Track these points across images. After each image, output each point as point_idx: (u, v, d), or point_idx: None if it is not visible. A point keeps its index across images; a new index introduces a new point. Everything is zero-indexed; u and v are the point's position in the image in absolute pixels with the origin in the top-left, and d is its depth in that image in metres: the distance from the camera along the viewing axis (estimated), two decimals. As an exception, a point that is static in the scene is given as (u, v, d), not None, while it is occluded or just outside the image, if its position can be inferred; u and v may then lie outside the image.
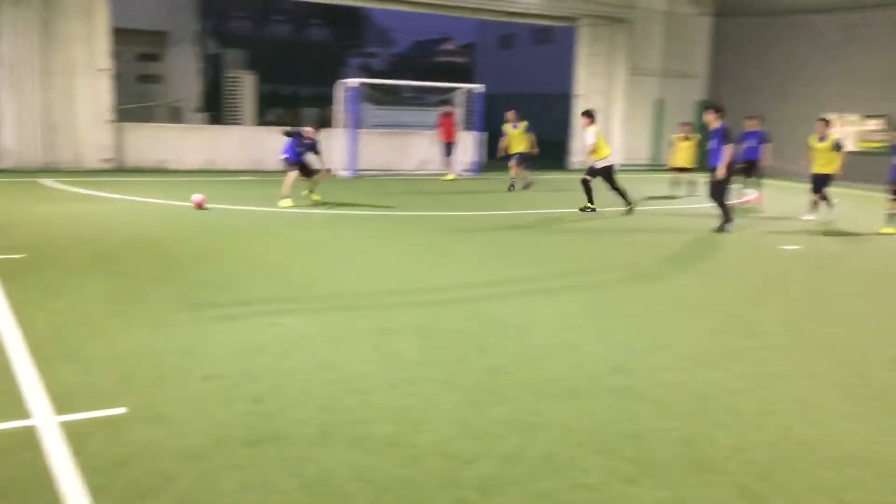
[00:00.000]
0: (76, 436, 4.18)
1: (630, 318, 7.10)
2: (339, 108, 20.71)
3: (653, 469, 4.08)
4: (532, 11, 24.22)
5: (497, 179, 19.85)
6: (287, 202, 13.72)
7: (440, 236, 11.50)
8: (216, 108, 26.81)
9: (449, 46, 56.89)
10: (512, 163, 17.94)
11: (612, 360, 5.83)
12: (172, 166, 20.03)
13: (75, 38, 18.58)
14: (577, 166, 25.23)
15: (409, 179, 20.13)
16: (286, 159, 13.96)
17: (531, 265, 9.58)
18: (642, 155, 25.97)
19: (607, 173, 14.21)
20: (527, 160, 18.00)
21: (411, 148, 22.40)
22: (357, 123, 20.35)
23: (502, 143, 18.17)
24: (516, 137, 17.92)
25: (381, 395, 4.97)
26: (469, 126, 22.22)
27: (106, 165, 19.08)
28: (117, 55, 20.42)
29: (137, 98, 25.04)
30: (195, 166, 20.28)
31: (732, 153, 12.06)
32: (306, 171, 14.08)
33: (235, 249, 9.82)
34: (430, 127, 21.87)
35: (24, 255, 8.82)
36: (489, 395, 5.04)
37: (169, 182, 17.15)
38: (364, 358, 5.71)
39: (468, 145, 21.91)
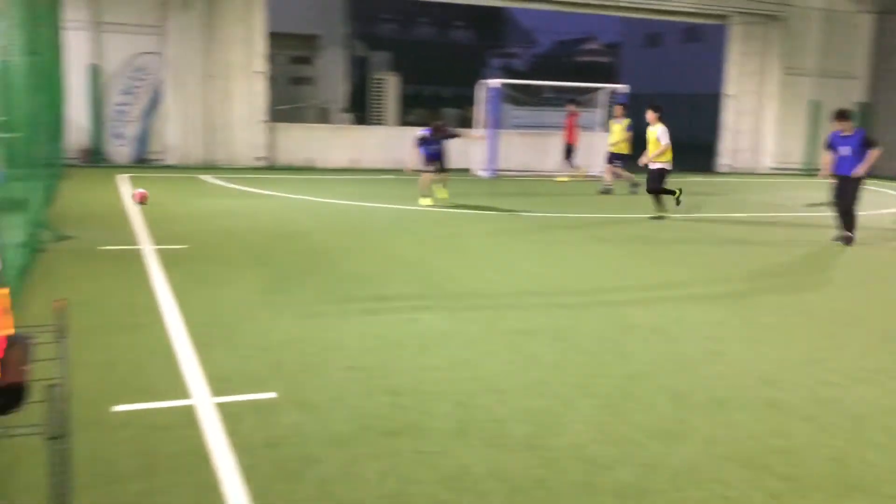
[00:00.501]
0: (230, 416, 4.43)
1: (778, 329, 6.79)
2: (480, 108, 20.87)
3: (801, 486, 3.88)
4: (682, 9, 23.55)
5: (639, 182, 19.41)
6: (427, 201, 13.96)
7: (579, 238, 11.38)
8: (361, 109, 27.63)
9: (592, 46, 56.07)
10: (607, 164, 17.56)
11: (760, 372, 5.59)
12: (319, 165, 20.83)
13: (234, 42, 19.64)
14: (724, 169, 24.38)
15: (548, 180, 20.01)
16: (423, 157, 14.06)
17: (672, 270, 9.32)
18: (796, 158, 24.73)
19: (660, 175, 13.27)
20: (617, 160, 17.46)
21: (550, 149, 22.26)
22: (497, 124, 20.44)
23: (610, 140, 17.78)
24: (616, 133, 17.45)
25: (517, 395, 4.98)
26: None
27: (259, 163, 20.06)
28: (272, 58, 21.42)
29: (289, 99, 26.16)
30: (340, 165, 21.00)
31: (877, 158, 11.12)
32: (440, 168, 14.11)
33: (376, 245, 10.10)
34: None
35: (186, 246, 9.42)
36: (629, 402, 4.95)
37: (316, 180, 17.84)
38: (501, 358, 5.73)
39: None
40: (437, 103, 38.17)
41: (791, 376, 5.51)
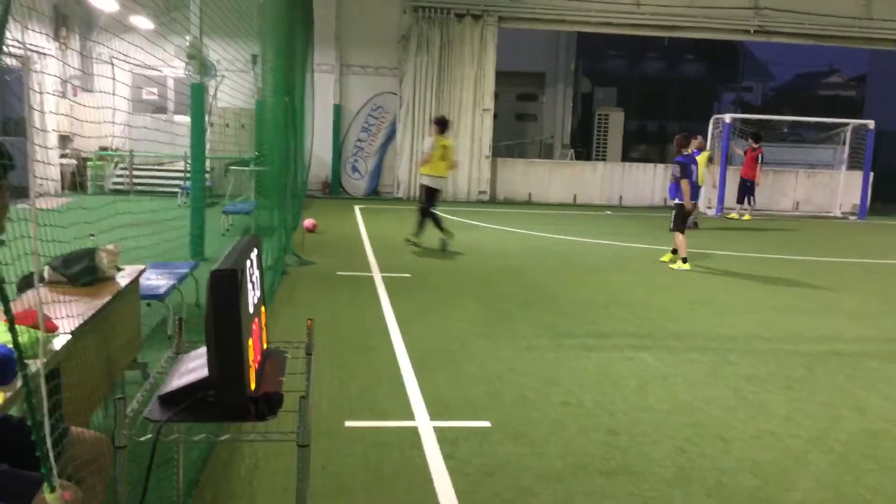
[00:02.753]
0: (448, 441, 4.57)
1: None
2: (710, 144, 20.20)
3: None
4: (941, 37, 21.48)
5: (885, 225, 17.80)
6: (671, 259, 11.58)
7: (815, 281, 10.61)
8: (585, 145, 27.61)
9: (835, 79, 52.34)
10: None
11: None
12: (538, 199, 21.06)
13: (466, 81, 20.46)
14: None
15: (783, 220, 18.87)
16: (673, 200, 11.73)
17: (926, 323, 8.43)
18: None
19: (430, 193, 11.95)
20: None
21: (786, 187, 21.06)
22: (728, 160, 19.64)
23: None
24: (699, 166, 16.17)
25: (743, 445, 4.73)
26: (855, 165, 20.30)
27: (481, 197, 20.65)
28: (498, 95, 22.05)
29: (513, 135, 26.72)
30: (559, 200, 21.10)
31: None
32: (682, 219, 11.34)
33: (595, 282, 10.02)
34: (810, 165, 20.42)
35: (409, 275, 9.88)
36: (868, 461, 4.54)
37: (535, 214, 18.04)
38: (725, 404, 5.47)
39: (854, 186, 20.03)
40: (663, 139, 37.26)
41: None
